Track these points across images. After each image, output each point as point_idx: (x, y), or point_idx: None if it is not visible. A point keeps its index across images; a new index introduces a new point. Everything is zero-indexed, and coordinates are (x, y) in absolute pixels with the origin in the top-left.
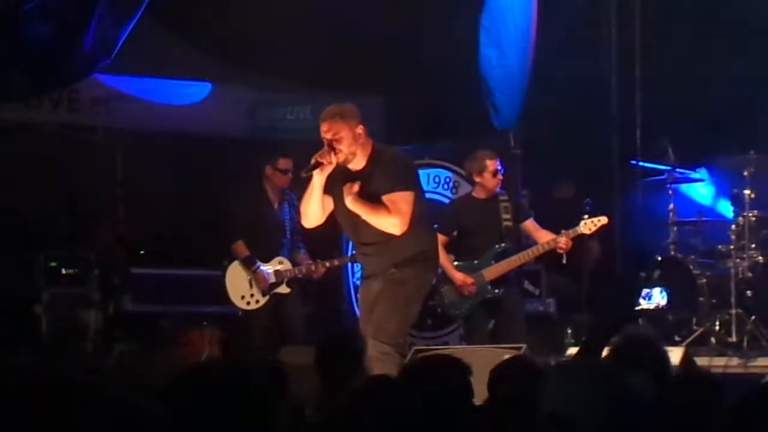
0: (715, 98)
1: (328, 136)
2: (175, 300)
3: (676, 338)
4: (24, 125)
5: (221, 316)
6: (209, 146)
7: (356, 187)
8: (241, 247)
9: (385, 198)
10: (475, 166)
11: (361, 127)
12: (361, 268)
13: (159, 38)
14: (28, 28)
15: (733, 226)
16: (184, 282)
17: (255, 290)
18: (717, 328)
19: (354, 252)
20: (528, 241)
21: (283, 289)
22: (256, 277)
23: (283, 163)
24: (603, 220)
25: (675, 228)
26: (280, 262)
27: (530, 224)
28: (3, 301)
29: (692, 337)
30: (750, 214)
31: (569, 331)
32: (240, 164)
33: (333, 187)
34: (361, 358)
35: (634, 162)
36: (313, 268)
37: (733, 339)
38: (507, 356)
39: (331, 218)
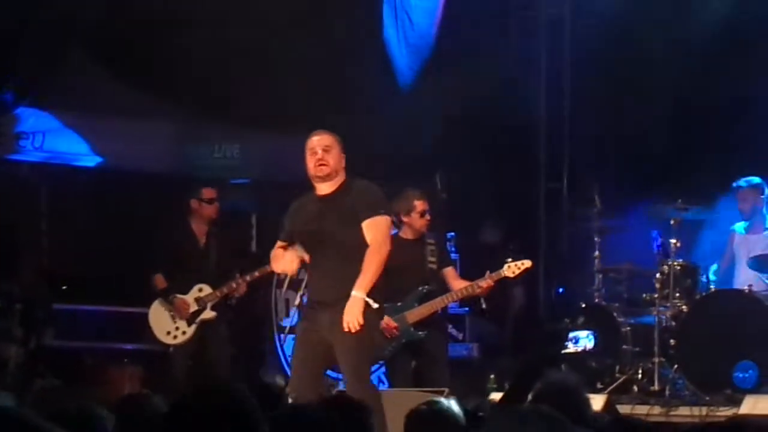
0: (643, 147)
1: (320, 145)
2: (98, 336)
3: (599, 385)
4: None
5: (143, 353)
6: (135, 181)
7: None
8: (159, 279)
9: (368, 222)
10: (403, 206)
11: (343, 156)
12: (311, 291)
13: (88, 73)
14: None
15: (658, 275)
16: (107, 318)
17: (179, 322)
18: (639, 376)
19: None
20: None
21: (208, 314)
22: (175, 307)
23: (207, 192)
24: (526, 263)
25: (600, 275)
26: (200, 289)
27: (450, 271)
28: None
29: (615, 384)
30: (675, 263)
31: (492, 376)
32: (165, 200)
33: (298, 210)
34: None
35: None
36: (234, 285)
37: (656, 387)
38: (426, 400)
39: None
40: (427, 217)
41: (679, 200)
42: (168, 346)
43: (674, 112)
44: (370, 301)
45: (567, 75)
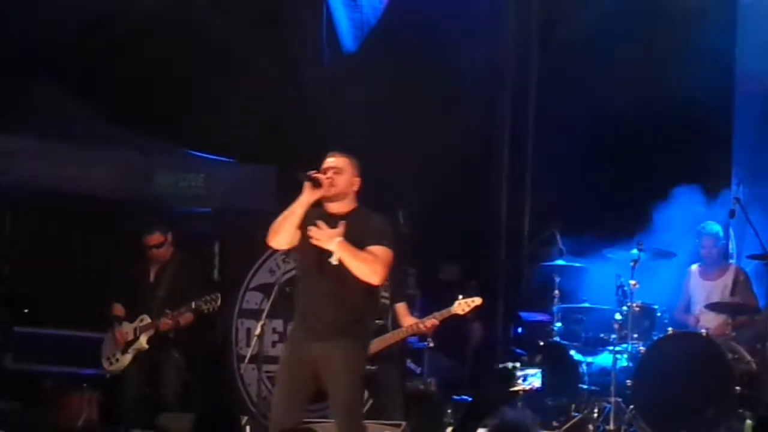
0: (602, 188)
1: (333, 166)
2: (57, 360)
3: (554, 423)
4: None
5: (101, 378)
6: (98, 208)
7: (341, 228)
8: (117, 308)
9: (371, 248)
10: None
11: (358, 180)
12: (303, 317)
13: (57, 100)
14: None
15: (617, 315)
16: (67, 342)
17: (116, 350)
18: (596, 415)
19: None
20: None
21: (140, 345)
22: (114, 335)
23: (151, 239)
24: (477, 301)
25: (559, 314)
26: (141, 320)
27: (401, 307)
28: None
29: (570, 423)
30: (634, 305)
31: (449, 410)
32: (128, 227)
33: (308, 226)
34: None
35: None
36: (166, 320)
37: (611, 427)
38: None
39: None
40: None
41: (639, 242)
42: (106, 371)
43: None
44: (343, 253)
45: (531, 111)
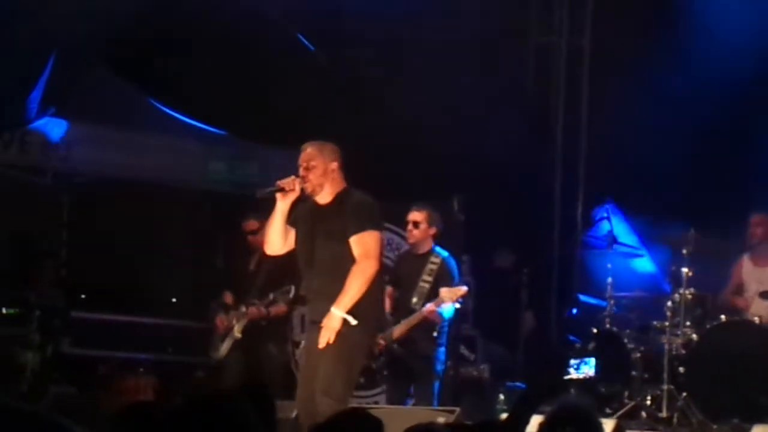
0: (658, 175)
1: (303, 163)
2: (114, 345)
3: (607, 410)
4: None
5: (159, 363)
6: (155, 193)
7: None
8: (227, 296)
9: (354, 238)
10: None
11: (335, 164)
12: (309, 311)
13: (115, 87)
14: None
15: (670, 303)
16: (124, 327)
17: (216, 337)
18: (648, 402)
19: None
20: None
21: (234, 334)
22: (215, 324)
23: (247, 225)
24: (462, 289)
25: (612, 301)
26: (241, 309)
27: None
28: None
29: (623, 410)
30: (687, 292)
31: (501, 397)
32: (185, 213)
33: (298, 220)
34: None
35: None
36: (254, 310)
37: (664, 414)
38: (440, 418)
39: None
40: (421, 228)
41: (692, 229)
42: (211, 359)
43: (693, 141)
44: (349, 318)
45: (584, 104)
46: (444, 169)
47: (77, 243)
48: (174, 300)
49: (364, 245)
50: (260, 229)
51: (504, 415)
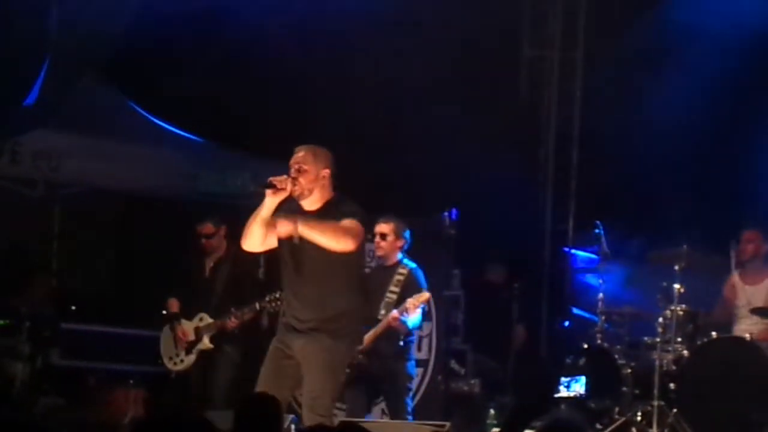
0: (650, 190)
1: (295, 165)
2: (103, 357)
3: (598, 426)
4: None
5: (148, 376)
6: (146, 205)
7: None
8: (172, 303)
9: (343, 222)
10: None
11: (327, 171)
12: (283, 314)
13: (106, 98)
14: None
15: (661, 319)
16: (113, 339)
17: (179, 350)
18: (639, 418)
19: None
20: None
21: (204, 345)
22: (176, 335)
23: (204, 228)
24: (425, 295)
25: (603, 317)
26: (200, 319)
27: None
28: None
29: (614, 426)
30: (678, 308)
31: (492, 412)
32: (174, 225)
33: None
34: (279, 422)
35: (566, 249)
36: (228, 321)
37: (654, 431)
38: None
39: None
40: (388, 240)
41: (684, 246)
42: (170, 371)
43: (685, 157)
44: (306, 229)
45: (576, 116)
46: (435, 183)
47: (67, 254)
48: (164, 312)
49: (347, 229)
50: (216, 234)
51: (495, 430)
